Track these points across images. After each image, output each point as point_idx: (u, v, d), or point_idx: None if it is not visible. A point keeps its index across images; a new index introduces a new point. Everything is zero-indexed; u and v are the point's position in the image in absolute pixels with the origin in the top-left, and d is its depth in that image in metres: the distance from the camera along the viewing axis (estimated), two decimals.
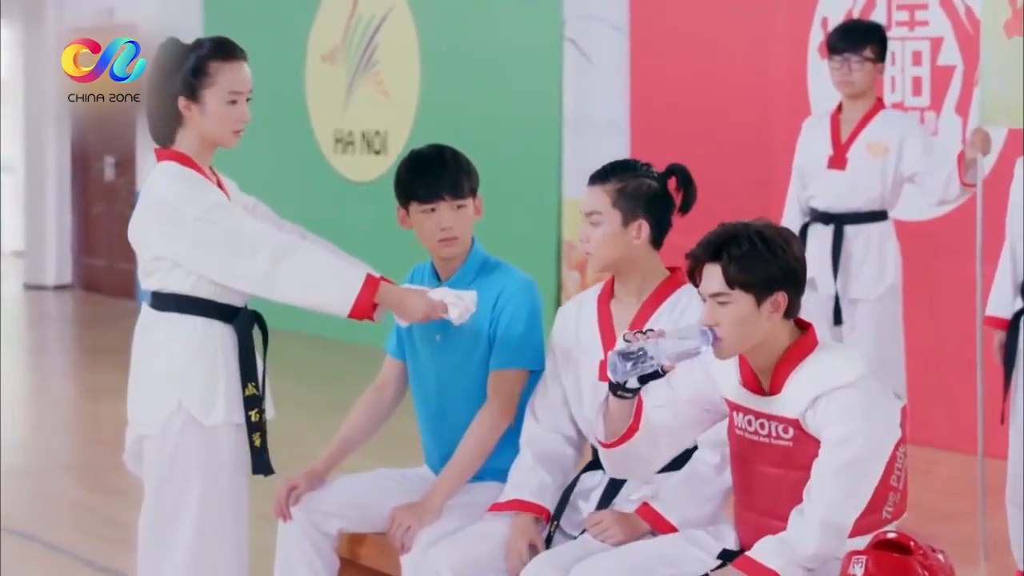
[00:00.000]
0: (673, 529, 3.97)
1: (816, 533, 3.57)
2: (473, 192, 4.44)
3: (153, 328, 4.27)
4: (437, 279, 4.47)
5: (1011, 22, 6.01)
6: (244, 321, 4.25)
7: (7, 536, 6.70)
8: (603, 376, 3.93)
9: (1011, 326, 5.60)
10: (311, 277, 4.12)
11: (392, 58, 11.74)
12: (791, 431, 3.66)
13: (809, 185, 6.76)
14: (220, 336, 4.22)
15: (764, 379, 3.71)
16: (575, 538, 4.11)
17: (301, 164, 12.56)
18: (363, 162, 12.01)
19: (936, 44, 8.09)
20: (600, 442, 3.84)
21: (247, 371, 4.24)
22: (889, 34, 7.07)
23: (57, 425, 9.73)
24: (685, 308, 4.10)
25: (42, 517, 7.13)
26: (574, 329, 4.29)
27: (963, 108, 7.94)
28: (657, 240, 4.17)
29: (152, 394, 4.23)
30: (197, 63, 4.18)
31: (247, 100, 4.25)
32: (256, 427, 4.25)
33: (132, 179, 14.37)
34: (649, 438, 3.79)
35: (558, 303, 10.07)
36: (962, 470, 7.37)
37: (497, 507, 4.24)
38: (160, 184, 4.20)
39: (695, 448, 4.06)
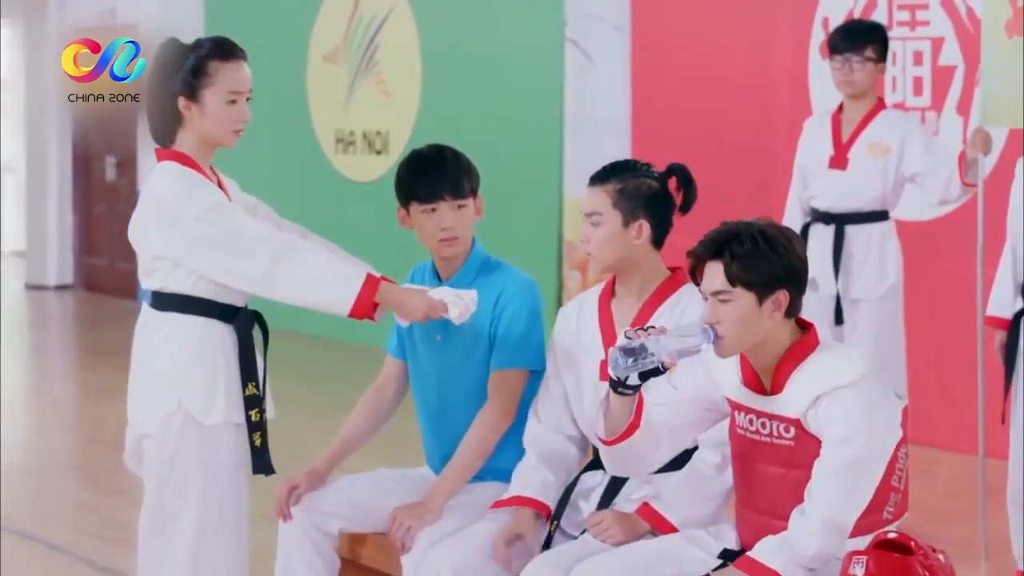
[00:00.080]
0: (674, 529, 3.97)
1: (817, 533, 3.57)
2: (474, 192, 4.44)
3: (153, 328, 4.27)
4: (438, 279, 4.47)
5: (1012, 22, 6.01)
6: (244, 321, 4.25)
7: (8, 536, 6.70)
8: (604, 376, 3.92)
9: (1012, 326, 5.60)
10: (311, 277, 4.12)
11: (393, 58, 11.74)
12: (792, 430, 3.66)
13: (810, 185, 6.76)
14: (220, 336, 4.22)
15: (765, 378, 3.70)
16: (575, 538, 4.10)
17: (302, 164, 12.56)
18: (364, 162, 12.01)
19: (937, 44, 8.09)
20: (601, 439, 3.84)
21: (247, 371, 4.24)
22: (890, 34, 7.07)
23: (58, 425, 9.73)
24: (686, 308, 4.10)
25: (43, 517, 7.13)
26: (575, 329, 4.29)
27: (964, 108, 7.94)
28: (658, 240, 4.17)
29: (152, 393, 4.23)
30: (197, 63, 4.18)
31: (247, 100, 4.24)
32: (256, 427, 4.25)
33: (133, 179, 14.37)
34: (650, 436, 3.79)
35: (559, 303, 10.07)
36: (963, 470, 7.37)
37: (499, 504, 4.24)
38: (160, 184, 4.20)
39: (696, 448, 4.06)
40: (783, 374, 3.67)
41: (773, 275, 3.62)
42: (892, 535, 3.54)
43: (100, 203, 15.33)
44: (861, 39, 6.58)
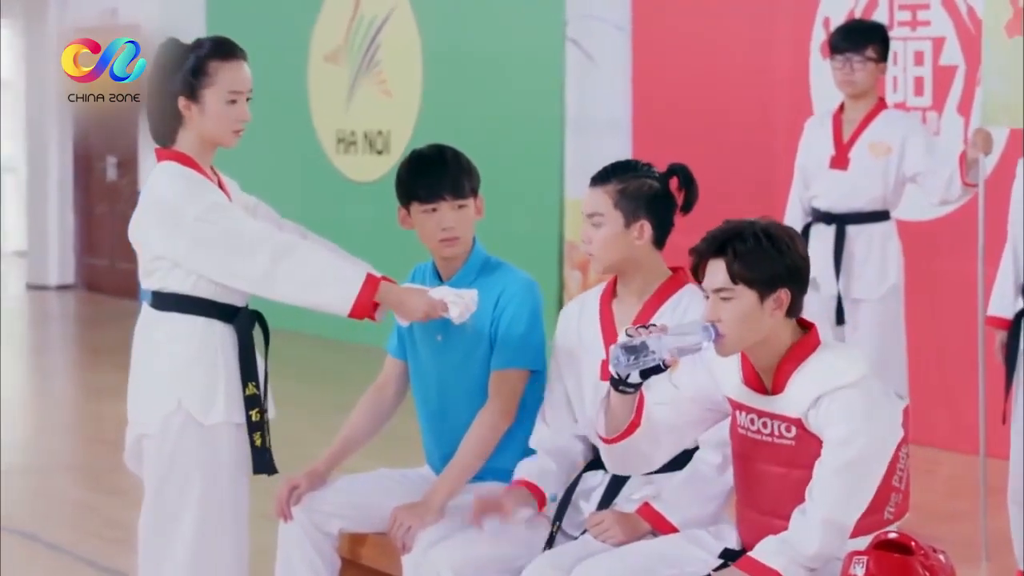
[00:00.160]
0: (674, 529, 3.96)
1: (818, 533, 3.57)
2: (474, 192, 4.44)
3: (153, 327, 4.27)
4: (438, 279, 4.47)
5: (1013, 22, 6.02)
6: (244, 321, 4.25)
7: (8, 536, 6.70)
8: (605, 375, 3.92)
9: (1013, 326, 5.59)
10: (311, 277, 4.11)
11: (394, 58, 11.74)
12: (793, 430, 3.66)
13: (811, 185, 6.75)
14: (220, 336, 4.22)
15: (766, 378, 3.70)
16: (576, 538, 4.10)
17: (303, 164, 12.56)
18: (365, 162, 12.01)
19: (938, 44, 8.09)
20: (601, 438, 3.84)
21: (247, 371, 4.24)
22: (891, 34, 7.07)
23: (59, 425, 9.73)
24: (687, 308, 4.10)
25: (43, 517, 7.13)
26: (576, 329, 4.29)
27: (965, 108, 7.94)
28: (659, 240, 4.16)
29: (152, 393, 4.23)
30: (197, 63, 4.17)
31: (247, 100, 4.24)
32: (257, 427, 4.25)
33: (134, 179, 14.37)
34: (650, 434, 3.79)
35: (560, 303, 10.07)
36: (964, 470, 7.37)
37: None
38: (160, 184, 4.20)
39: (696, 448, 4.06)
40: (784, 374, 3.67)
41: (775, 273, 3.62)
42: (893, 535, 3.54)
43: (101, 203, 15.34)
44: (862, 39, 6.57)
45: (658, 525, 3.98)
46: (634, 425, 3.75)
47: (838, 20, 8.05)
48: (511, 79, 10.77)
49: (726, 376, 3.79)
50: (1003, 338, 5.65)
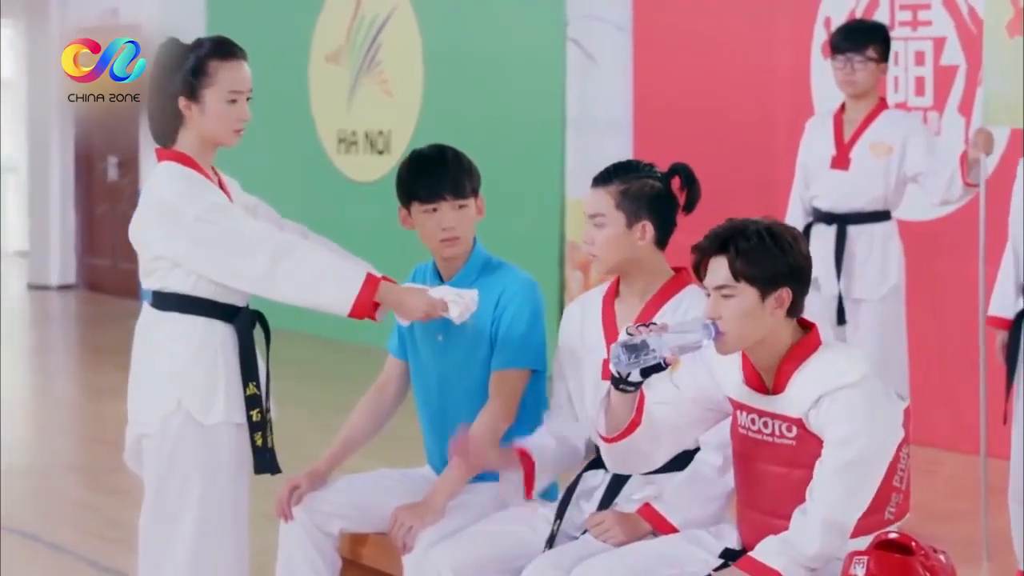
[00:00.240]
0: (674, 530, 3.96)
1: (818, 533, 3.57)
2: (475, 192, 4.44)
3: (154, 327, 4.27)
4: (439, 279, 4.47)
5: (1014, 22, 6.01)
6: (245, 321, 4.25)
7: (9, 536, 6.70)
8: (606, 375, 3.92)
9: (1013, 326, 5.59)
10: (311, 277, 4.11)
11: (395, 58, 11.74)
12: (794, 430, 3.66)
13: (812, 185, 6.76)
14: (220, 336, 4.22)
15: (767, 378, 3.70)
16: (576, 538, 4.10)
17: (304, 164, 12.56)
18: (366, 162, 12.01)
19: (939, 44, 8.09)
20: (602, 437, 3.84)
21: (248, 371, 4.24)
22: (892, 34, 7.07)
23: (60, 425, 9.73)
24: (688, 308, 4.09)
25: (44, 517, 7.13)
26: (579, 328, 4.29)
27: (966, 108, 7.93)
28: (662, 240, 4.15)
29: (152, 393, 4.23)
30: (197, 63, 4.18)
31: (247, 99, 4.24)
32: (258, 427, 4.25)
33: (135, 179, 14.37)
34: (651, 433, 3.79)
35: (561, 303, 10.07)
36: (964, 470, 7.37)
37: None
38: (160, 184, 4.21)
39: (697, 450, 4.06)
40: (785, 373, 3.67)
41: (777, 272, 3.62)
42: (893, 535, 3.54)
43: (102, 203, 15.34)
44: (863, 39, 6.57)
45: (658, 526, 3.98)
46: (635, 424, 3.75)
47: (839, 20, 8.05)
48: (512, 79, 10.77)
49: (727, 376, 3.79)
50: (1004, 338, 5.65)
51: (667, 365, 3.60)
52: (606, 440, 3.82)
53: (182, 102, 4.19)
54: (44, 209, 15.75)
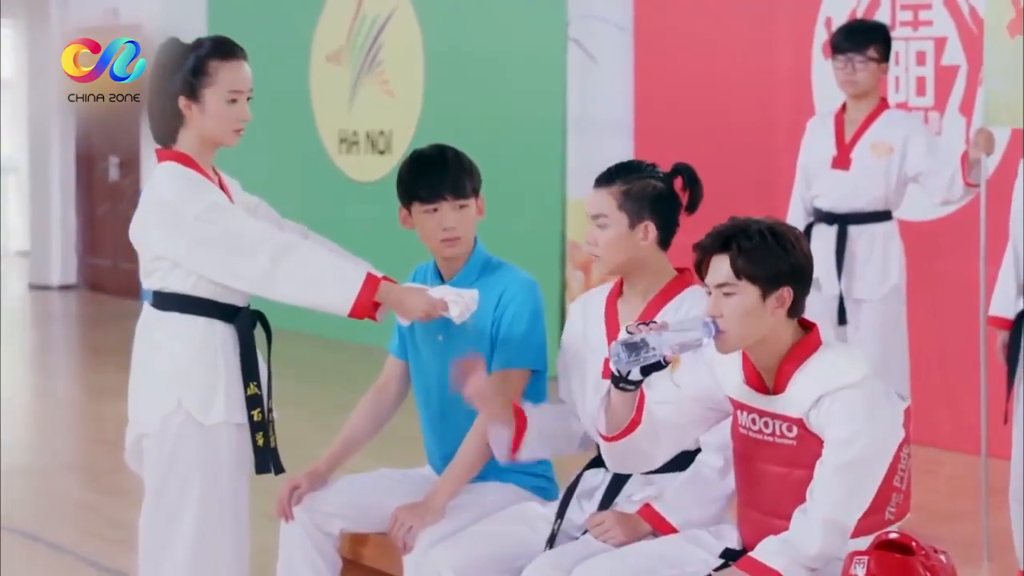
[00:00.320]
0: (674, 531, 3.96)
1: (819, 533, 3.57)
2: (475, 192, 4.44)
3: (154, 327, 4.27)
4: (440, 279, 4.47)
5: (1015, 22, 6.01)
6: (245, 321, 4.25)
7: (10, 536, 6.70)
8: (607, 374, 3.92)
9: (1014, 326, 5.59)
10: (311, 277, 4.11)
11: (396, 58, 11.74)
12: (795, 430, 3.66)
13: (813, 185, 6.75)
14: (221, 336, 4.22)
15: (768, 378, 3.70)
16: (577, 539, 4.10)
17: (305, 164, 12.57)
18: (367, 162, 12.01)
19: (940, 44, 8.09)
20: (602, 436, 3.84)
21: (249, 371, 4.24)
22: (893, 34, 7.06)
23: (61, 425, 9.73)
24: (690, 309, 4.08)
25: (45, 517, 7.13)
26: (581, 327, 4.29)
27: (967, 108, 7.93)
28: (664, 241, 4.15)
29: (152, 393, 4.23)
30: (197, 63, 4.18)
31: (247, 99, 4.24)
32: (259, 426, 4.25)
33: (136, 179, 14.37)
34: (651, 432, 3.79)
35: (562, 303, 10.08)
36: (965, 470, 7.37)
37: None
38: (160, 184, 4.21)
39: (698, 450, 4.06)
40: (785, 373, 3.67)
41: (779, 271, 3.62)
42: (894, 535, 3.54)
43: (103, 203, 15.34)
44: (864, 39, 6.57)
45: (659, 526, 3.98)
46: (635, 423, 3.75)
47: (840, 20, 8.05)
48: (513, 79, 10.77)
49: (727, 375, 3.79)
50: (1004, 338, 5.65)
51: (667, 363, 3.59)
52: (606, 439, 3.82)
53: (182, 102, 4.19)
54: (45, 209, 15.75)
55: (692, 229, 4.10)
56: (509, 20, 10.81)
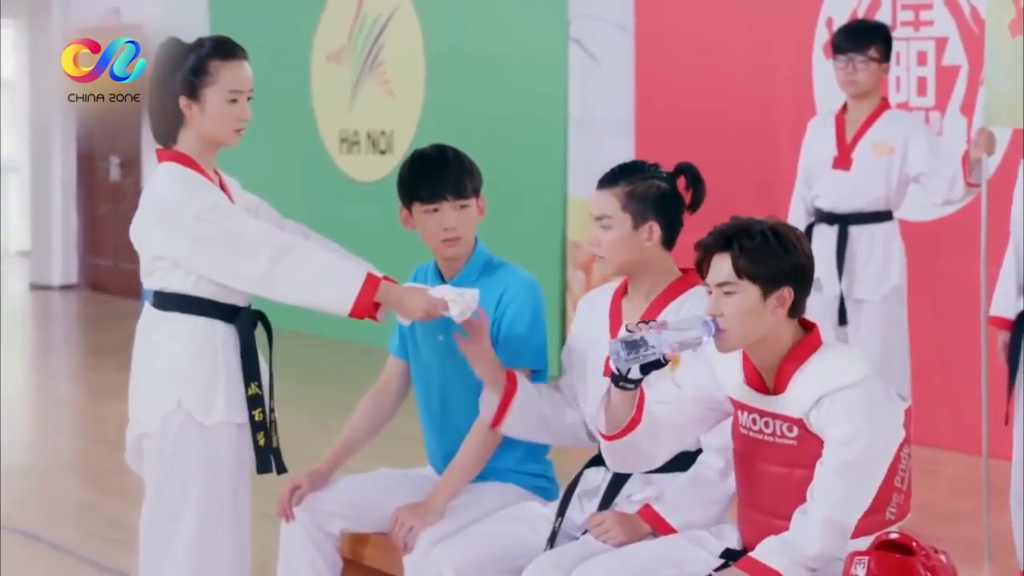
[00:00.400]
0: (674, 532, 3.96)
1: (819, 533, 3.57)
2: (476, 192, 4.44)
3: (154, 327, 4.27)
4: (441, 279, 4.47)
5: (1016, 22, 6.01)
6: (246, 321, 4.25)
7: (10, 536, 6.70)
8: (608, 372, 3.92)
9: (1015, 326, 5.59)
10: (311, 277, 4.11)
11: (397, 58, 11.74)
12: (795, 430, 3.66)
13: (814, 185, 6.75)
14: (221, 336, 4.22)
15: (768, 378, 3.70)
16: (577, 539, 4.10)
17: (306, 164, 12.56)
18: (368, 162, 12.01)
19: (941, 44, 8.09)
20: (602, 435, 3.84)
21: (249, 371, 4.24)
22: (894, 34, 7.06)
23: (61, 425, 9.73)
24: (692, 308, 4.08)
25: (45, 517, 7.13)
26: (586, 325, 4.29)
27: (968, 108, 7.93)
28: (669, 241, 4.15)
29: (152, 393, 4.24)
30: (197, 62, 4.18)
31: (248, 99, 4.24)
32: (260, 426, 4.25)
33: (137, 179, 14.37)
34: (651, 432, 3.79)
35: (563, 303, 10.09)
36: (966, 470, 7.37)
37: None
38: (160, 184, 4.21)
39: (699, 451, 4.06)
40: (786, 374, 3.67)
41: (780, 270, 3.62)
42: (894, 536, 3.54)
43: (104, 203, 15.34)
44: (865, 39, 6.57)
45: (659, 527, 3.98)
46: (635, 422, 3.75)
47: (841, 20, 8.04)
48: (514, 79, 10.77)
49: (728, 376, 3.79)
50: (1005, 338, 5.65)
51: (666, 362, 3.59)
52: (606, 438, 3.82)
53: (183, 101, 4.19)
54: (46, 209, 15.75)
55: (693, 229, 4.10)
56: (510, 20, 10.81)
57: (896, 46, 7.10)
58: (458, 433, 4.41)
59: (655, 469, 3.98)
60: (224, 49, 4.21)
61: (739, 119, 9.12)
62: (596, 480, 4.23)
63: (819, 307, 6.25)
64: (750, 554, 3.65)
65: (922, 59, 8.16)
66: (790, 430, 3.67)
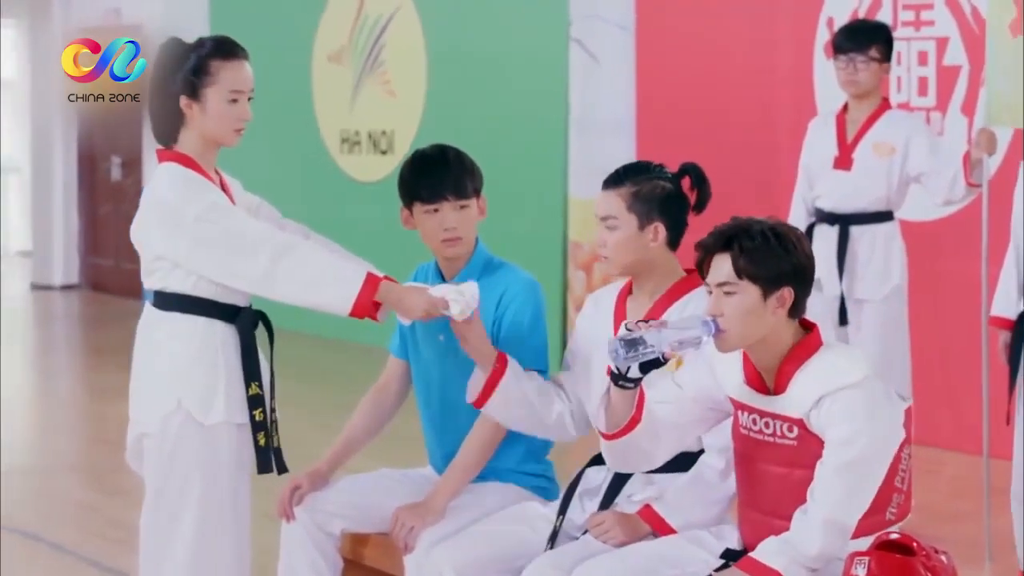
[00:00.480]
0: (674, 533, 3.96)
1: (819, 533, 3.57)
2: (477, 192, 4.43)
3: (155, 327, 4.27)
4: (441, 279, 4.47)
5: (1016, 22, 6.01)
6: (246, 321, 4.25)
7: (10, 536, 6.70)
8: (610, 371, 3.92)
9: (1016, 326, 5.58)
10: (311, 277, 4.11)
11: (398, 58, 11.74)
12: (795, 430, 3.66)
13: (815, 185, 6.75)
14: (221, 336, 4.22)
15: (768, 378, 3.70)
16: (577, 539, 4.10)
17: (307, 164, 12.56)
18: (369, 162, 12.01)
19: (942, 44, 8.08)
20: (602, 434, 3.84)
21: (250, 371, 4.24)
22: (895, 34, 7.06)
23: (62, 425, 9.73)
24: (695, 309, 4.09)
25: (46, 517, 7.13)
26: (591, 323, 4.29)
27: (969, 108, 7.93)
28: (674, 241, 4.14)
29: (152, 393, 4.24)
30: (198, 62, 4.17)
31: (249, 99, 4.24)
32: (260, 426, 4.25)
33: (138, 179, 14.37)
34: (651, 431, 3.79)
35: (564, 303, 10.08)
36: (967, 471, 7.37)
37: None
38: (161, 185, 4.21)
39: (699, 452, 4.06)
40: (786, 374, 3.67)
41: (780, 271, 3.62)
42: (894, 536, 3.54)
43: (105, 203, 15.34)
44: (865, 39, 6.57)
45: (659, 527, 3.98)
46: (635, 421, 3.75)
47: (841, 20, 8.04)
48: (515, 79, 10.77)
49: (728, 376, 3.78)
50: (1006, 338, 5.64)
51: (665, 360, 3.59)
52: (606, 437, 3.82)
53: (183, 101, 4.19)
54: (47, 209, 15.75)
55: (693, 228, 4.10)
56: (511, 20, 10.81)
57: (897, 46, 7.10)
58: (458, 433, 4.41)
59: (656, 469, 3.98)
60: (225, 49, 4.21)
61: (739, 119, 9.12)
62: (597, 480, 4.23)
63: (820, 307, 6.25)
64: (750, 554, 3.65)
65: (923, 59, 8.16)
66: (790, 430, 3.67)
